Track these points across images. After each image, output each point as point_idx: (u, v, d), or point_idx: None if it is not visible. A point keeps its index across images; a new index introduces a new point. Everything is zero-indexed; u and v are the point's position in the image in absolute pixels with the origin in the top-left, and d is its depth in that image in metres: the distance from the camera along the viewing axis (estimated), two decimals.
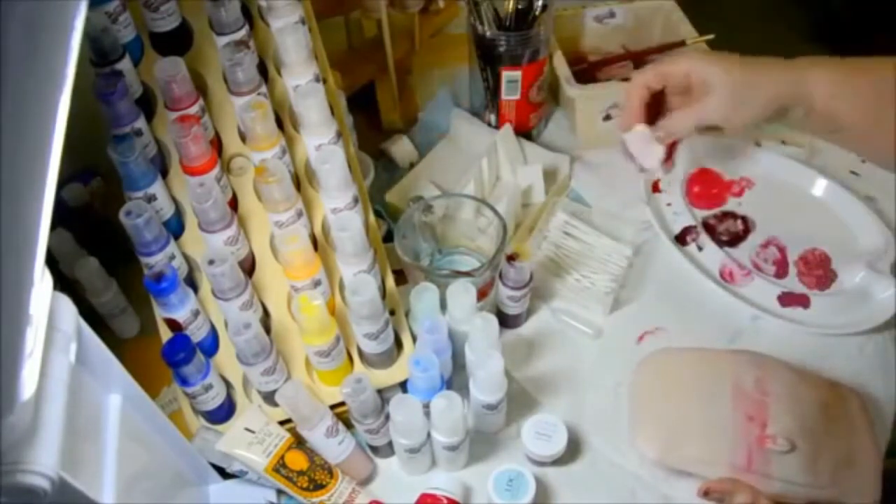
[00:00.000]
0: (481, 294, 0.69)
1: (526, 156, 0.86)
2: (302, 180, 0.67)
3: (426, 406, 0.58)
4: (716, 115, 0.66)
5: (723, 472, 0.60)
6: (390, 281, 0.68)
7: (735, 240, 0.79)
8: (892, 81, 0.61)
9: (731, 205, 0.82)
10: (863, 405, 0.65)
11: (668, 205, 0.81)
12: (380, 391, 0.62)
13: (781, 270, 0.77)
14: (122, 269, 0.70)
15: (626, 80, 0.86)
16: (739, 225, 0.80)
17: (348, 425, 0.63)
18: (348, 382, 0.57)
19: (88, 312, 0.67)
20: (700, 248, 0.78)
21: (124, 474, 0.44)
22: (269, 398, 0.61)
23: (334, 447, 0.61)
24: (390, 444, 0.62)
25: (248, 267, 0.65)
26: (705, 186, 0.83)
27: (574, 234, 0.77)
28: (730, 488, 0.59)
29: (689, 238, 0.79)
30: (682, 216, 0.80)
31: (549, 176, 0.83)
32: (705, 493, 0.60)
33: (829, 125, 0.65)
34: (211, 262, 0.57)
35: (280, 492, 0.62)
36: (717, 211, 0.82)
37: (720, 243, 0.78)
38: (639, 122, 0.69)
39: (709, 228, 0.80)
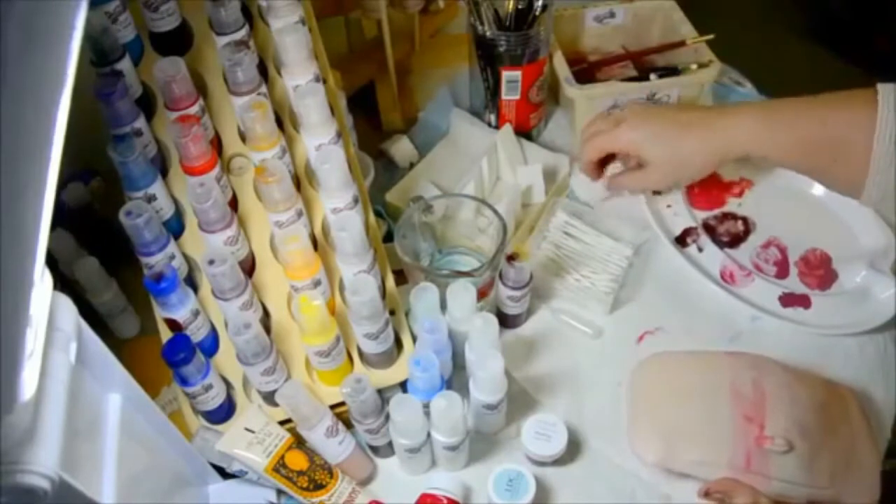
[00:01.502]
0: (481, 294, 0.69)
1: (526, 156, 0.86)
2: (302, 180, 0.67)
3: (426, 406, 0.58)
4: (655, 185, 0.78)
5: (722, 473, 0.60)
6: (390, 281, 0.68)
7: (735, 240, 0.79)
8: (812, 130, 0.66)
9: (731, 206, 0.82)
10: (860, 405, 0.65)
11: (669, 206, 0.81)
12: (380, 391, 0.62)
13: (782, 271, 0.77)
14: (122, 269, 0.70)
15: (626, 80, 0.86)
16: (740, 226, 0.80)
17: (348, 425, 0.63)
18: (348, 382, 0.57)
19: (88, 312, 0.67)
20: (700, 250, 0.78)
21: (124, 474, 0.44)
22: (269, 398, 0.61)
23: (334, 447, 0.61)
24: (390, 444, 0.62)
25: (248, 267, 0.65)
26: (705, 187, 0.83)
27: (574, 234, 0.77)
28: (730, 488, 0.59)
29: (689, 239, 0.79)
30: (683, 217, 0.80)
31: (549, 176, 0.83)
32: (706, 494, 0.60)
33: (767, 165, 0.73)
34: (211, 262, 0.57)
35: (280, 492, 0.62)
36: (717, 212, 0.82)
37: (720, 244, 0.78)
38: (595, 176, 0.80)
39: (709, 229, 0.80)
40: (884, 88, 0.61)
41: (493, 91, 0.86)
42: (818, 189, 0.82)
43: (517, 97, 0.85)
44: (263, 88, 0.63)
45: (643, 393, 0.67)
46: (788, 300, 0.74)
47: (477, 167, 0.80)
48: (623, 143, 0.74)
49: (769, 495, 0.58)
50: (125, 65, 0.61)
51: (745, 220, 0.81)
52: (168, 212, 0.63)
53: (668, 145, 0.72)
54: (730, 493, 0.59)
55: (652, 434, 0.64)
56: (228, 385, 0.62)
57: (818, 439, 0.61)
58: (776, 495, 0.59)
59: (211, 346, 0.63)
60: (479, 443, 0.65)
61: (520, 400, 0.68)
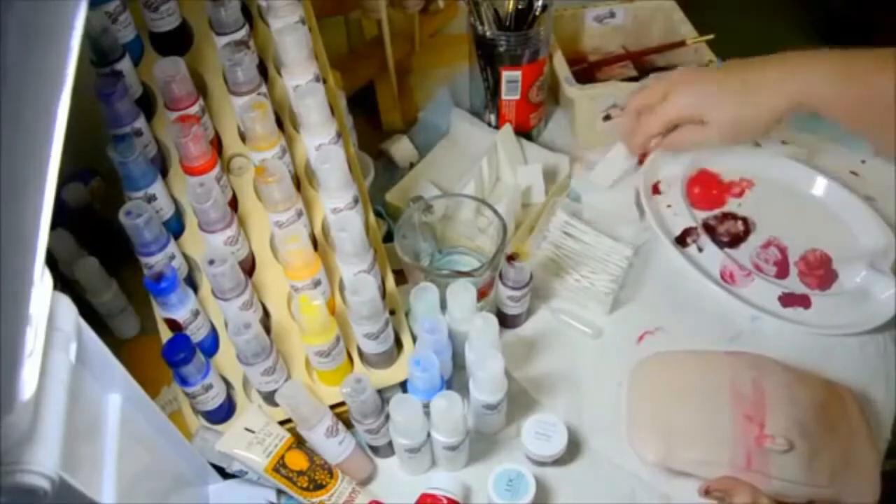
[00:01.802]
0: (481, 294, 0.69)
1: (526, 156, 0.86)
2: (302, 180, 0.67)
3: (426, 406, 0.58)
4: (717, 141, 0.74)
5: (723, 472, 0.60)
6: (390, 281, 0.68)
7: (735, 241, 0.79)
8: (883, 84, 0.63)
9: (731, 206, 0.82)
10: (859, 405, 0.65)
11: (669, 206, 0.81)
12: (380, 391, 0.62)
13: (782, 271, 0.77)
14: (122, 269, 0.70)
15: (626, 80, 0.86)
16: (740, 226, 0.80)
17: (348, 425, 0.63)
18: (348, 382, 0.57)
19: (88, 312, 0.67)
20: (700, 250, 0.78)
21: (124, 474, 0.44)
22: (269, 398, 0.61)
23: (334, 447, 0.61)
24: (390, 444, 0.62)
25: (248, 267, 0.65)
26: (705, 188, 0.83)
27: (574, 234, 0.77)
28: (730, 487, 0.59)
29: (689, 239, 0.79)
30: (683, 217, 0.80)
31: (549, 176, 0.83)
32: (706, 492, 0.61)
33: (829, 118, 0.68)
34: (211, 262, 0.57)
35: (280, 492, 0.62)
36: (717, 212, 0.82)
37: (720, 244, 0.78)
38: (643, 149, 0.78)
39: (709, 229, 0.80)
40: None
41: (493, 91, 0.86)
42: (818, 189, 0.82)
43: (517, 97, 0.85)
44: (263, 88, 0.63)
45: (643, 392, 0.67)
46: (788, 300, 0.74)
47: (477, 167, 0.80)
48: (681, 107, 0.72)
49: (769, 494, 0.59)
50: (125, 65, 0.61)
51: (745, 220, 0.81)
52: (168, 212, 0.63)
53: (731, 103, 0.70)
54: (730, 491, 0.59)
55: (652, 433, 0.64)
56: (228, 385, 0.62)
57: (818, 438, 0.61)
58: (776, 494, 0.59)
59: (211, 346, 0.63)
60: (479, 443, 0.65)
61: (520, 400, 0.68)
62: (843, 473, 0.61)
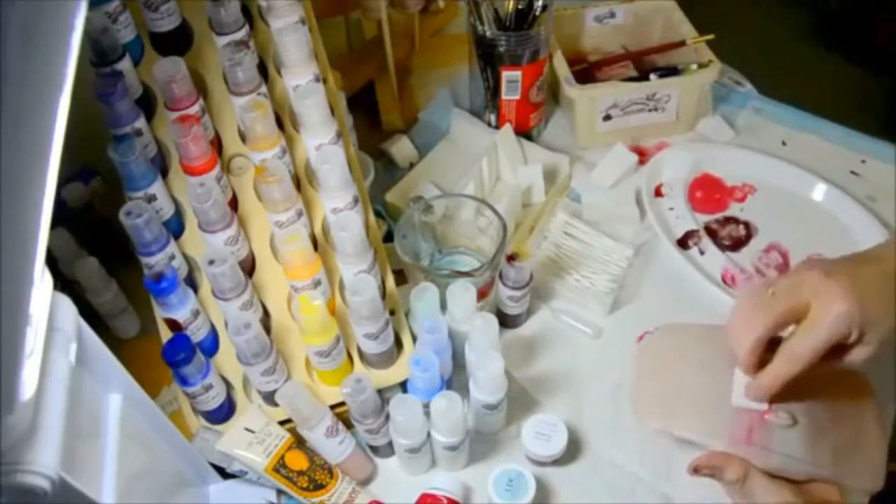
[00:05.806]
0: (481, 294, 0.69)
1: (526, 156, 0.86)
2: (302, 180, 0.67)
3: (426, 406, 0.58)
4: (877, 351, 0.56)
5: (722, 443, 0.60)
6: (390, 281, 0.68)
7: (737, 244, 0.79)
8: None
9: (733, 210, 0.82)
10: (873, 391, 0.64)
11: (671, 209, 0.82)
12: (380, 391, 0.62)
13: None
14: (122, 269, 0.70)
15: (626, 80, 0.86)
16: (742, 230, 0.80)
17: (348, 425, 0.63)
18: (348, 382, 0.57)
19: (88, 312, 0.67)
20: (702, 252, 0.78)
21: (124, 474, 0.44)
22: (269, 398, 0.61)
23: (334, 447, 0.61)
24: (390, 444, 0.62)
25: (248, 267, 0.65)
26: (708, 192, 0.83)
27: (574, 234, 0.77)
28: (720, 463, 0.59)
29: (690, 242, 0.79)
30: (685, 220, 0.80)
31: (549, 176, 0.83)
32: (695, 470, 0.60)
33: None
34: (211, 262, 0.57)
35: (280, 492, 0.62)
36: (719, 216, 0.82)
37: (722, 248, 0.78)
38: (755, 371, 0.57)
39: (711, 233, 0.80)
40: None
41: (493, 91, 0.86)
42: (818, 194, 0.82)
43: (517, 97, 0.85)
44: (263, 88, 0.63)
45: (650, 361, 0.67)
46: None
47: (477, 167, 0.80)
48: (842, 321, 0.53)
49: (769, 468, 0.58)
50: (125, 65, 0.61)
51: (746, 224, 0.81)
52: (168, 212, 0.63)
53: (879, 308, 0.53)
54: (720, 467, 0.58)
55: (656, 400, 0.63)
56: (228, 385, 0.62)
57: (823, 418, 0.60)
58: (776, 469, 0.58)
59: (211, 346, 0.63)
60: (479, 443, 0.65)
61: (520, 400, 0.68)
62: (848, 456, 0.60)
